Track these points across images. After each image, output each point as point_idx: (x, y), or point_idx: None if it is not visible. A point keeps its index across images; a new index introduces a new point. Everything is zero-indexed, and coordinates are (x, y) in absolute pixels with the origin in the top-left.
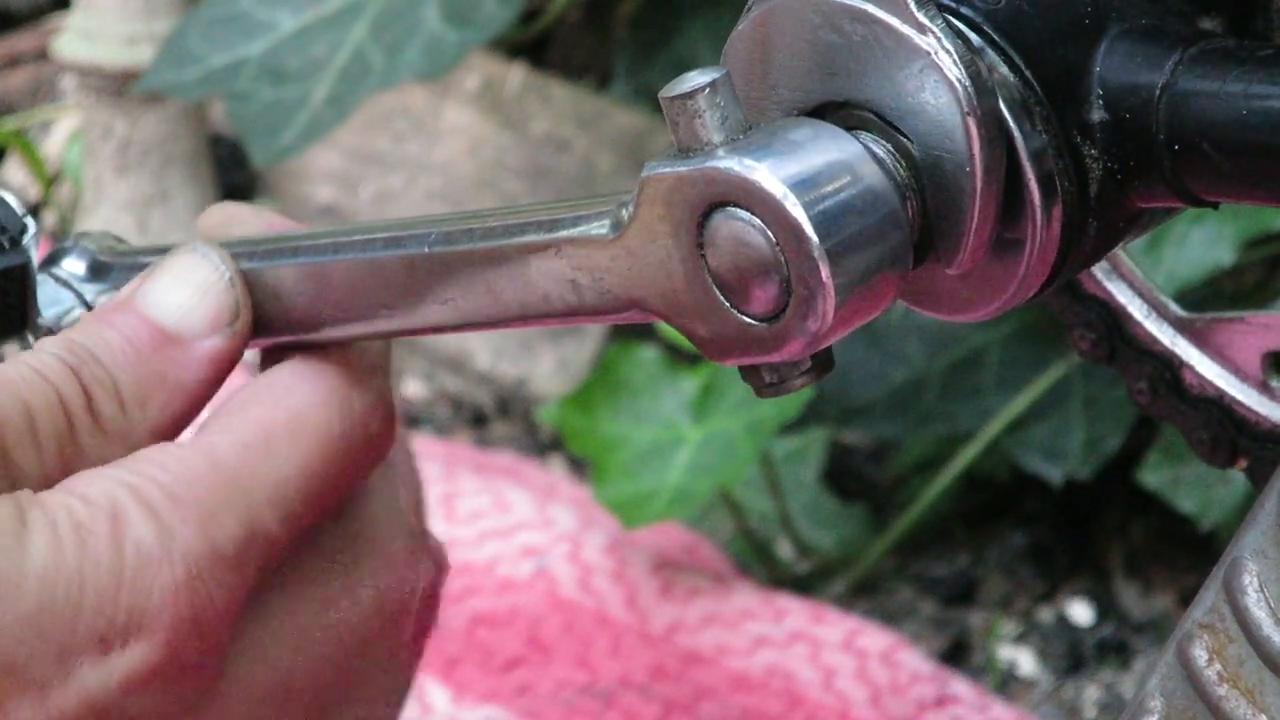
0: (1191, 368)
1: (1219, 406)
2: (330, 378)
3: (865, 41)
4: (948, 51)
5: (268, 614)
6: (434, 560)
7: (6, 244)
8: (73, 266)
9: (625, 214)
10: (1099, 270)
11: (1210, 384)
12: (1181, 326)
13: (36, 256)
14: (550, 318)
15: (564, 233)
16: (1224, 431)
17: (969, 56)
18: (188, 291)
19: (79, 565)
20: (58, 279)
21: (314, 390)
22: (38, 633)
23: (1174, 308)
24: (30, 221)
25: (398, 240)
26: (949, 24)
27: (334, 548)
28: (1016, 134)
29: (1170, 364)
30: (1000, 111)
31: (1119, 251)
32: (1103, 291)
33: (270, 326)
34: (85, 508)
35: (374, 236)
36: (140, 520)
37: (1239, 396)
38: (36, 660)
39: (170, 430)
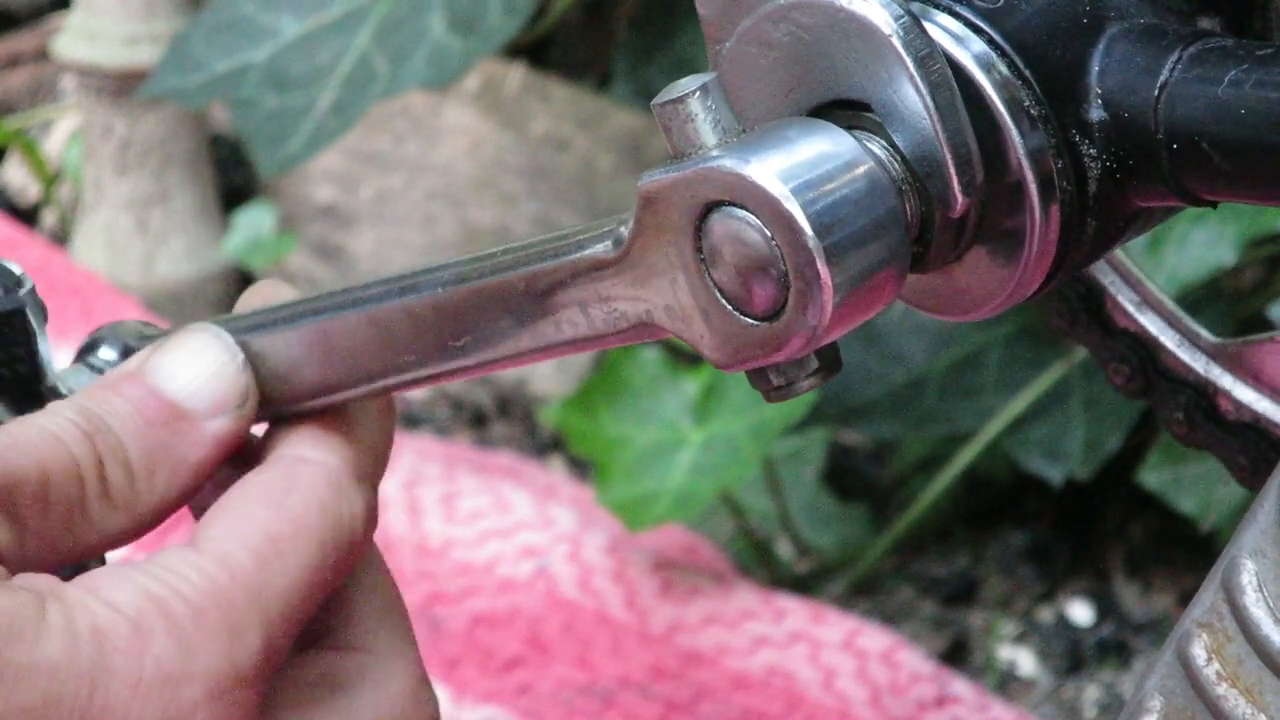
0: (1227, 394)
1: (1256, 430)
2: (325, 484)
3: (795, 37)
4: None
5: None
6: (433, 711)
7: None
8: (107, 354)
9: (625, 230)
10: (1129, 303)
11: (1246, 408)
12: (1214, 353)
13: (42, 322)
14: (563, 346)
15: (569, 258)
16: (1263, 455)
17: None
18: (199, 370)
19: (92, 668)
20: (92, 367)
21: (310, 496)
22: None
23: (1205, 335)
24: (28, 279)
25: (413, 286)
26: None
27: (340, 678)
28: (1015, 133)
29: (1205, 392)
30: (925, 33)
31: (1147, 281)
32: (1134, 324)
33: (290, 395)
34: (108, 613)
35: (389, 287)
36: (163, 635)
37: (1276, 419)
38: None
39: (173, 505)
